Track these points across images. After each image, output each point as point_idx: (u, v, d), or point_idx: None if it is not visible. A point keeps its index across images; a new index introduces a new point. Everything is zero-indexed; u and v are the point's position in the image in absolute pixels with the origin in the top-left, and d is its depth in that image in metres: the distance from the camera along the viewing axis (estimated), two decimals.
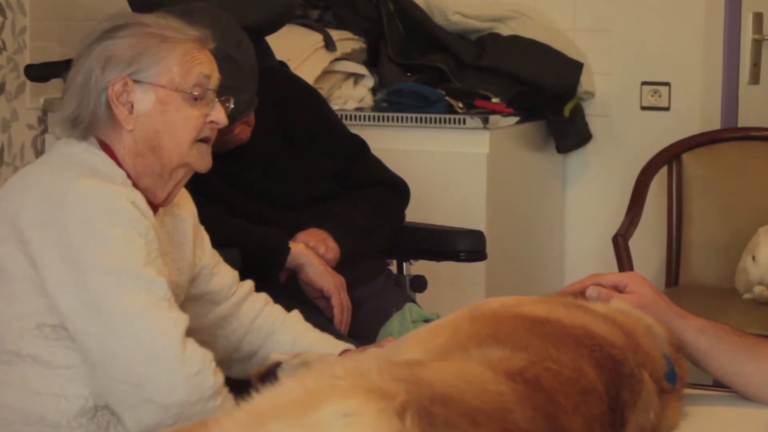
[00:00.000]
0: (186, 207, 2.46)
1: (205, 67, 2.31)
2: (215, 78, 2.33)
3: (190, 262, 2.43)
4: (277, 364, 2.33)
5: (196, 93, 2.29)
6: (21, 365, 2.21)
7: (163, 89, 2.27)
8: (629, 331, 1.96)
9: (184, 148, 2.30)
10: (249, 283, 2.59)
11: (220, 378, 2.18)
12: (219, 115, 2.33)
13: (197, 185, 2.91)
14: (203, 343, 2.52)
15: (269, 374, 2.31)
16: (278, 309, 2.60)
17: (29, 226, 2.18)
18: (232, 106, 2.40)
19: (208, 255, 2.50)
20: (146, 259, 2.18)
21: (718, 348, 2.09)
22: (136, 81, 2.26)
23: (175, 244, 2.39)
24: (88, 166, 2.25)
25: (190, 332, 2.51)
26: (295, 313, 2.62)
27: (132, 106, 2.27)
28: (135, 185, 2.28)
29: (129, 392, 2.14)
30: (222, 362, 2.55)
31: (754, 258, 3.88)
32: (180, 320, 2.18)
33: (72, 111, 2.27)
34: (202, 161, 2.35)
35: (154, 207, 2.32)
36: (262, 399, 1.57)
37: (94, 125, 2.27)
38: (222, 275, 2.52)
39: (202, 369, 2.15)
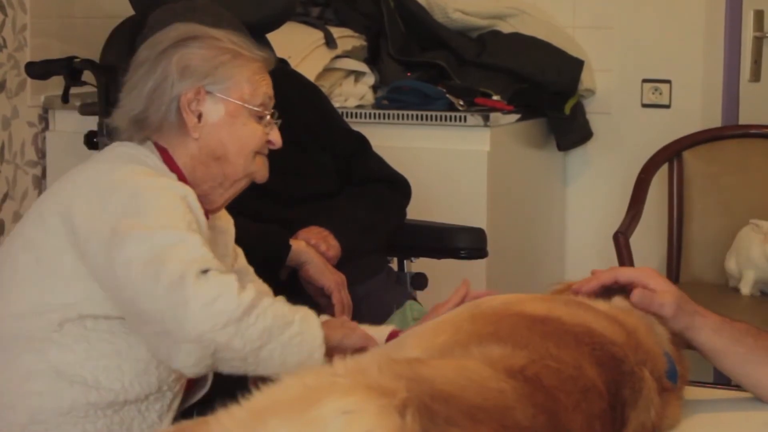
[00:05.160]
0: (227, 220, 2.53)
1: (270, 89, 2.41)
2: (273, 100, 2.42)
3: None
4: None
5: (262, 111, 2.38)
6: (55, 355, 2.22)
7: (233, 103, 2.35)
8: (630, 329, 1.96)
9: (248, 159, 2.38)
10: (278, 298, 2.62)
11: (248, 294, 2.11)
12: (277, 137, 2.43)
13: None
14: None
15: None
16: None
17: (79, 217, 2.20)
18: (280, 121, 2.46)
19: (243, 269, 2.55)
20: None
21: (733, 350, 2.08)
22: (208, 92, 2.33)
23: (217, 256, 2.41)
24: (140, 162, 2.30)
25: None
26: None
27: (200, 116, 2.34)
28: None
29: (161, 341, 2.13)
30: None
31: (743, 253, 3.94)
32: (195, 255, 2.14)
33: (139, 112, 2.33)
34: (262, 172, 2.43)
35: (206, 212, 2.35)
36: (262, 396, 1.57)
37: (158, 129, 2.34)
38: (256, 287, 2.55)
39: (219, 294, 2.09)
